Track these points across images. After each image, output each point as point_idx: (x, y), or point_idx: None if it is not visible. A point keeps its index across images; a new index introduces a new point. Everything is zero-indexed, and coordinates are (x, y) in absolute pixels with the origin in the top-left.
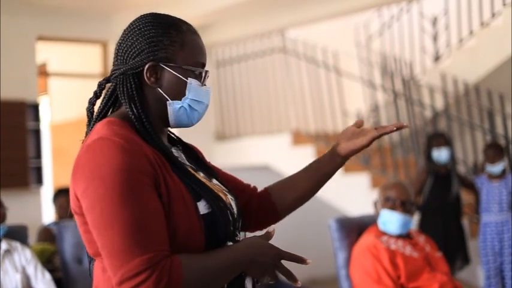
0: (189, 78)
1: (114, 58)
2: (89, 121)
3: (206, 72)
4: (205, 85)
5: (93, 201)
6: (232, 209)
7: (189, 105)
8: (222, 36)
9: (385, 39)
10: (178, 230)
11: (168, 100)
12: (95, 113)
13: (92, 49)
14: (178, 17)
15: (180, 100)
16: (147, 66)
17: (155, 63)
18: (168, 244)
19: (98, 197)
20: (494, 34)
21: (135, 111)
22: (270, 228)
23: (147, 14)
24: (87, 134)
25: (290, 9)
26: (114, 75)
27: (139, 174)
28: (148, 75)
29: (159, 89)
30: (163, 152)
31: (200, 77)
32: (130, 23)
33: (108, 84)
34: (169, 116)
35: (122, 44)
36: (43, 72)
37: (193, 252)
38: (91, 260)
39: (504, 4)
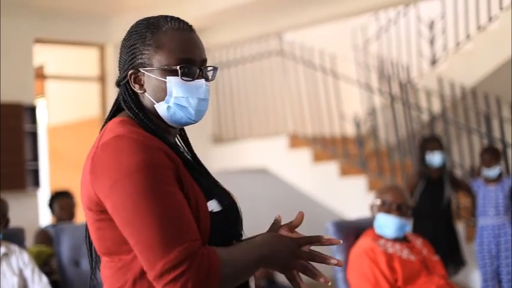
0: (167, 77)
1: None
2: None
3: (192, 66)
4: (202, 77)
5: (122, 198)
6: (239, 208)
7: (176, 104)
8: (219, 39)
9: (382, 42)
10: (201, 224)
11: (155, 103)
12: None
13: (89, 52)
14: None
15: (164, 100)
16: (128, 75)
17: (135, 71)
18: (198, 233)
19: (127, 194)
20: (491, 38)
21: (136, 116)
22: (276, 216)
23: (137, 20)
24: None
25: (288, 12)
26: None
27: (162, 169)
28: (133, 83)
29: (146, 94)
30: (175, 150)
31: (189, 73)
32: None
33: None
34: (162, 117)
35: (119, 57)
36: (40, 74)
37: None
38: (97, 260)
39: (501, 8)
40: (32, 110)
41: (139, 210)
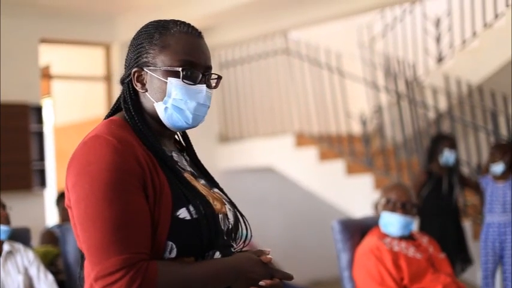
0: (168, 78)
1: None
2: None
3: (195, 70)
4: (204, 83)
5: (79, 196)
6: (228, 218)
7: (174, 105)
8: (225, 38)
9: (388, 40)
10: (158, 230)
11: (154, 103)
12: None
13: (95, 51)
14: (182, 19)
15: (162, 101)
16: (132, 74)
17: (139, 69)
18: (148, 248)
19: (84, 193)
20: (497, 35)
21: (129, 115)
22: (266, 251)
23: (149, 22)
24: None
25: (293, 10)
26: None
27: (126, 175)
28: (135, 81)
29: (147, 93)
30: (156, 154)
31: (191, 77)
32: None
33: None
34: (160, 117)
35: (126, 55)
36: (46, 74)
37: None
38: (82, 256)
39: (507, 5)
40: (38, 110)
41: (90, 211)
